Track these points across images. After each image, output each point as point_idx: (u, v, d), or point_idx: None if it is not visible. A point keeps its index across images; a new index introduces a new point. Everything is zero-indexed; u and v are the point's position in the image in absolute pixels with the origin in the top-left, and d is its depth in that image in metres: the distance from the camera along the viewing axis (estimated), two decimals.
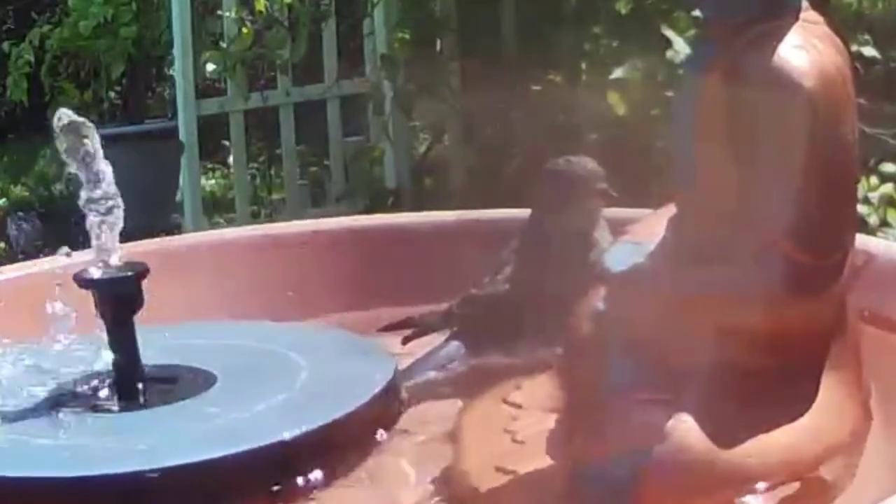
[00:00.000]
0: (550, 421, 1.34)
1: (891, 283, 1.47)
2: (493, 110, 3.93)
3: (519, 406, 1.42)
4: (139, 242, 1.83)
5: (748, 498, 1.16)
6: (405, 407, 1.47)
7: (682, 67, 2.86)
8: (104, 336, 1.45)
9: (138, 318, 1.45)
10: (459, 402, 1.47)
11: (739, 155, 1.25)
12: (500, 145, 3.98)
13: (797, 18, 1.27)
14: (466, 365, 1.55)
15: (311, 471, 1.30)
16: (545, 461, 1.27)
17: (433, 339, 1.60)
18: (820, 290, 1.26)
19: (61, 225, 4.48)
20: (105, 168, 1.46)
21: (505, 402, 1.43)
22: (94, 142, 1.46)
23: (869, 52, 3.25)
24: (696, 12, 2.63)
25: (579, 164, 1.58)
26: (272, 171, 5.15)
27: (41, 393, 1.45)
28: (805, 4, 1.29)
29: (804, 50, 1.24)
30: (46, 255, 1.49)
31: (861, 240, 1.39)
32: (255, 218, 4.44)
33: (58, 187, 5.65)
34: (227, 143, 4.62)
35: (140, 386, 1.45)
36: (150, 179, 4.68)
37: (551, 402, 1.39)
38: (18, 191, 5.98)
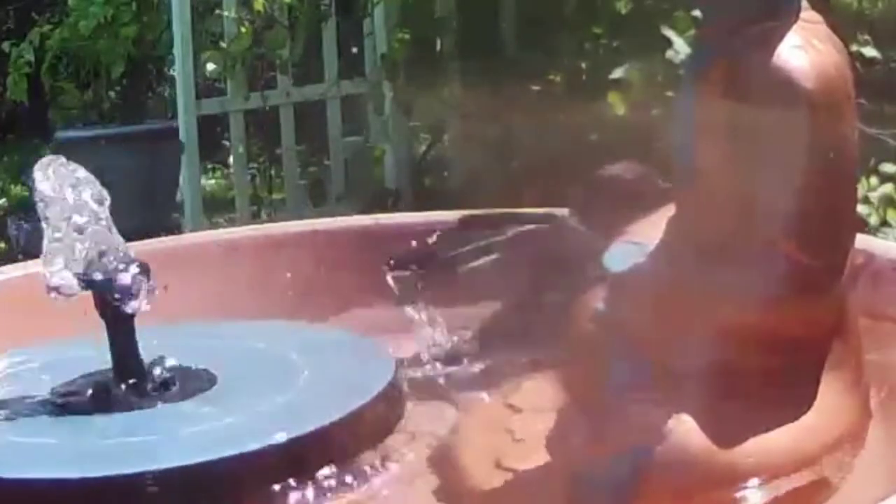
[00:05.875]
0: (550, 421, 1.34)
1: (891, 283, 1.47)
2: (493, 110, 3.93)
3: (519, 406, 1.42)
4: (139, 242, 1.83)
5: (748, 498, 1.16)
6: (405, 407, 1.47)
7: (682, 68, 2.85)
8: (104, 336, 1.45)
9: (138, 318, 1.45)
10: (459, 402, 1.47)
11: (739, 155, 1.25)
12: (500, 145, 3.98)
13: (797, 18, 1.27)
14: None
15: (311, 472, 1.30)
16: (545, 461, 1.27)
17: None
18: (820, 290, 1.26)
19: None
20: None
21: (505, 402, 1.43)
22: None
23: (869, 52, 3.25)
24: (696, 12, 2.63)
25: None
26: (272, 171, 5.15)
27: (40, 393, 1.45)
28: (805, 4, 1.29)
29: (804, 50, 1.24)
30: None
31: (861, 240, 1.39)
32: (255, 218, 4.43)
33: None
34: (227, 143, 4.62)
35: (140, 386, 1.44)
36: (150, 179, 4.69)
37: (551, 403, 1.39)
38: (18, 191, 5.98)
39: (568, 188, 1.62)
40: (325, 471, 1.30)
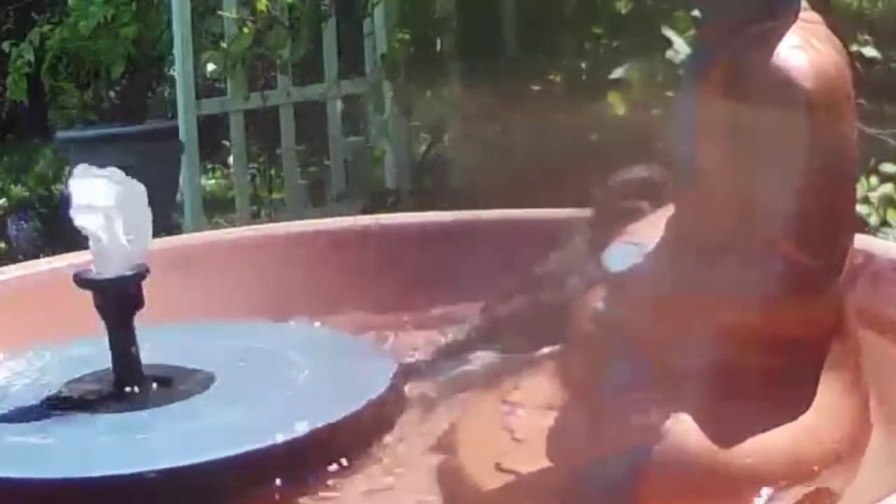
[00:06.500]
0: (550, 420, 1.34)
1: (891, 283, 1.47)
2: (494, 110, 3.93)
3: (518, 405, 1.42)
4: None
5: (747, 499, 1.16)
6: (405, 406, 1.47)
7: (682, 68, 2.85)
8: (104, 336, 1.45)
9: (138, 318, 1.45)
10: (459, 402, 1.47)
11: (739, 155, 1.25)
12: (500, 145, 3.98)
13: (796, 18, 1.27)
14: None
15: (310, 472, 1.30)
16: (544, 460, 1.27)
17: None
18: (819, 290, 1.26)
19: (61, 225, 4.48)
20: None
21: (504, 401, 1.43)
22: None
23: (869, 52, 3.25)
24: (696, 12, 2.63)
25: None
26: (272, 171, 5.15)
27: (41, 393, 1.45)
28: (804, 4, 1.29)
29: (803, 50, 1.24)
30: (46, 255, 1.49)
31: (861, 240, 1.39)
32: (255, 218, 4.43)
33: (58, 187, 5.65)
34: (227, 142, 4.62)
35: (139, 386, 1.44)
36: (150, 179, 4.68)
37: (551, 402, 1.39)
38: (18, 191, 5.98)
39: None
40: (325, 471, 1.30)
